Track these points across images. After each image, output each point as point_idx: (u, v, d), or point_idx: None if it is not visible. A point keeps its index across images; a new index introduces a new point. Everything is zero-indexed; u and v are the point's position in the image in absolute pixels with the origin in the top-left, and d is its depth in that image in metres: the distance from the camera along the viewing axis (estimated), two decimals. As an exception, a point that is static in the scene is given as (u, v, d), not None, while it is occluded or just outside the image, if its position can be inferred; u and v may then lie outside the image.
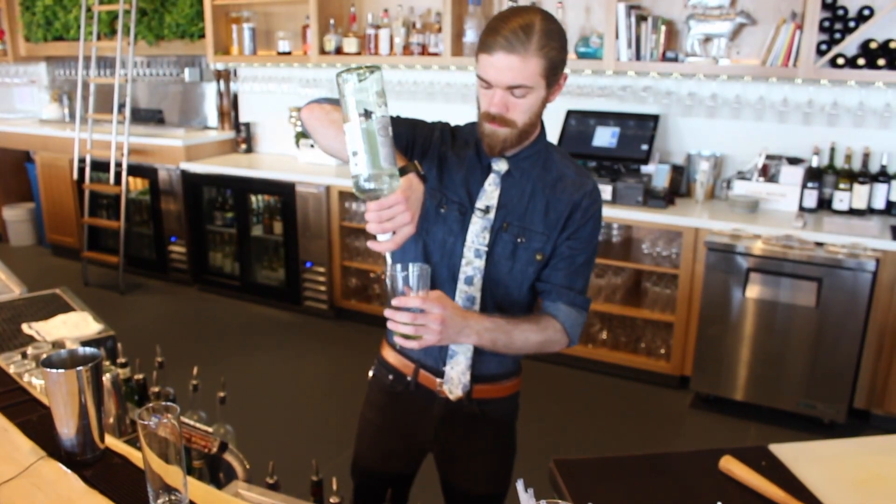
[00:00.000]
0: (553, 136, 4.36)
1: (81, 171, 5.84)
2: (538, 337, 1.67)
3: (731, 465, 1.52)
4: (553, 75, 1.57)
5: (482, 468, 1.88)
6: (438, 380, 1.77)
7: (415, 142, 1.74)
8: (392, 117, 1.60)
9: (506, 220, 1.68)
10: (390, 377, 1.87)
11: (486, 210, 1.68)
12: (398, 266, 1.48)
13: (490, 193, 1.68)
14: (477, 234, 1.68)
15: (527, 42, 1.50)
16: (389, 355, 1.87)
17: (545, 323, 1.69)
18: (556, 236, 1.70)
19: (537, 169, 1.69)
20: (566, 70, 1.64)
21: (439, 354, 1.76)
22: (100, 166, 5.76)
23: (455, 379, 1.76)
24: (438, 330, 1.47)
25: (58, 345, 2.15)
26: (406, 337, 1.48)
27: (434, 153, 1.74)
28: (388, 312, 1.48)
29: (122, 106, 5.58)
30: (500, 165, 1.69)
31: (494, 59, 1.52)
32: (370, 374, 1.95)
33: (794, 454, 1.59)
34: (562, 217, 1.69)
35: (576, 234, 1.70)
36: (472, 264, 1.69)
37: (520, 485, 1.05)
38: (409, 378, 1.82)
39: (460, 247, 1.69)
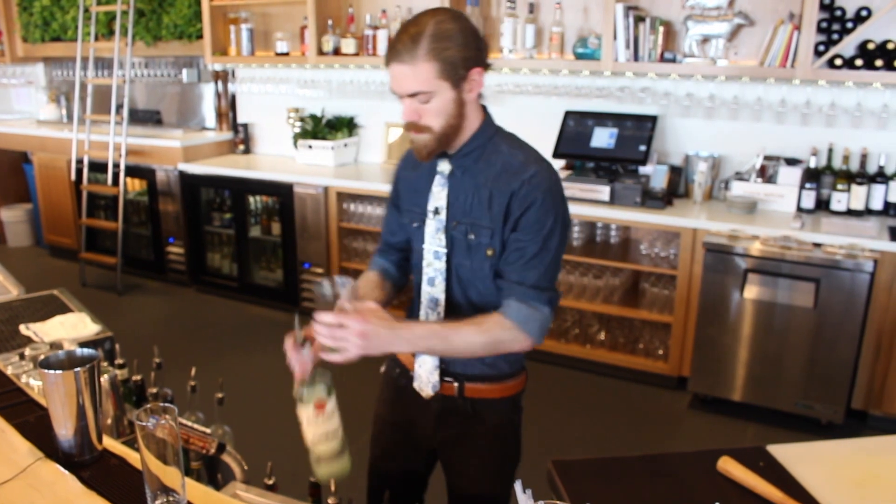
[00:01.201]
0: (551, 136, 4.37)
1: (79, 171, 5.83)
2: (482, 339, 1.63)
3: (728, 466, 1.52)
4: (454, 74, 1.58)
5: (479, 468, 1.88)
6: (416, 368, 1.84)
7: (393, 220, 1.90)
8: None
9: (455, 219, 1.73)
10: (397, 370, 1.92)
11: (437, 211, 1.74)
12: (324, 281, 1.56)
13: (437, 195, 1.74)
14: (432, 235, 1.74)
15: (414, 49, 1.54)
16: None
17: (489, 323, 1.63)
18: (501, 229, 1.67)
19: (480, 163, 1.71)
20: (482, 66, 1.66)
21: None
22: (98, 167, 5.76)
23: (424, 378, 1.81)
24: (359, 344, 1.52)
25: (55, 346, 2.14)
26: (329, 350, 1.55)
27: (402, 186, 1.86)
28: (315, 326, 1.55)
29: (119, 107, 5.58)
30: (443, 166, 1.74)
31: (391, 70, 1.60)
32: (382, 369, 2.01)
33: (792, 455, 1.59)
34: (502, 208, 1.66)
35: (519, 225, 1.65)
36: (432, 266, 1.75)
37: (518, 485, 1.05)
38: (412, 372, 1.85)
39: (422, 252, 1.78)
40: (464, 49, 1.58)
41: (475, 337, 1.62)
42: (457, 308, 1.75)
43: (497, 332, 1.63)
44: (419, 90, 1.58)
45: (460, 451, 1.88)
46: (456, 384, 1.79)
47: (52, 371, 1.37)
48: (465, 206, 1.71)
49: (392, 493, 1.89)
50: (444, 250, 1.73)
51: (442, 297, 1.75)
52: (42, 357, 1.43)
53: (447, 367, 1.79)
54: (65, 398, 1.38)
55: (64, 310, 2.53)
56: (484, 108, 1.75)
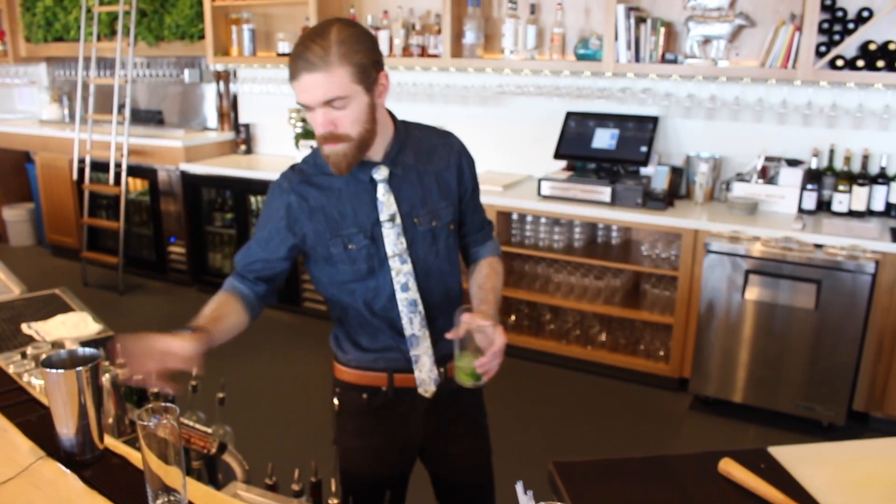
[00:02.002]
0: (552, 137, 4.37)
1: (81, 171, 5.84)
2: (501, 279, 1.90)
3: (730, 468, 1.52)
4: (367, 78, 1.57)
5: (469, 446, 1.95)
6: (416, 373, 1.82)
7: (278, 248, 1.77)
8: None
9: (413, 216, 1.75)
10: (364, 396, 1.86)
11: (392, 218, 1.72)
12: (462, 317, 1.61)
13: (387, 202, 1.72)
14: (394, 242, 1.73)
15: (326, 56, 1.51)
16: (351, 375, 1.87)
17: (493, 266, 1.91)
18: (456, 199, 1.83)
19: (411, 155, 1.75)
20: (385, 69, 1.65)
21: (406, 356, 1.81)
22: (99, 167, 5.76)
23: (427, 379, 1.82)
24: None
25: (57, 345, 2.15)
26: (477, 378, 1.63)
27: (306, 215, 1.74)
28: (483, 364, 1.60)
29: (121, 107, 5.58)
30: (382, 173, 1.72)
31: (302, 82, 1.54)
32: (335, 402, 1.93)
33: (793, 456, 1.59)
34: (453, 181, 1.81)
35: (473, 187, 1.88)
36: (401, 272, 1.75)
37: (519, 487, 1.05)
38: (384, 389, 1.83)
39: (384, 263, 1.74)
40: (371, 52, 1.58)
41: (499, 281, 1.89)
42: (432, 303, 1.79)
43: (498, 268, 1.92)
44: (336, 95, 1.54)
45: (447, 436, 1.91)
46: (441, 369, 1.83)
47: (54, 370, 1.37)
48: (418, 199, 1.75)
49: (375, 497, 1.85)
50: (407, 252, 1.74)
51: (417, 295, 1.77)
52: (44, 356, 1.43)
53: (435, 335, 1.82)
54: (66, 397, 1.38)
55: (65, 309, 2.54)
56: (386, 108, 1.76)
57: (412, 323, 1.78)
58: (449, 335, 1.63)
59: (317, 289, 1.87)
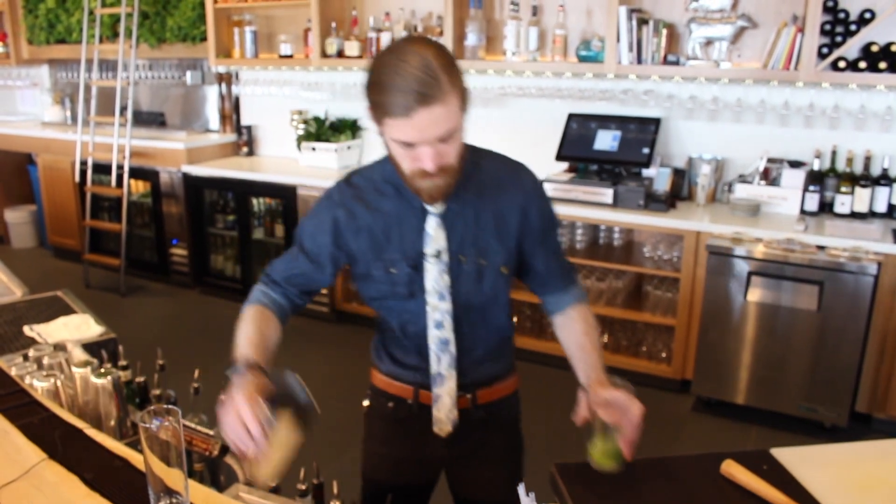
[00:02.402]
0: (554, 139, 4.37)
1: (83, 173, 5.85)
2: (598, 333, 1.75)
3: (732, 469, 1.51)
4: (466, 99, 1.46)
5: (497, 474, 1.86)
6: (434, 412, 1.76)
7: (324, 264, 1.70)
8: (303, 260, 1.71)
9: (461, 254, 1.63)
10: (390, 405, 1.82)
11: (438, 254, 1.62)
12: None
13: (436, 237, 1.61)
14: (435, 279, 1.64)
15: (438, 84, 1.37)
16: (383, 382, 1.83)
17: (587, 319, 1.75)
18: (515, 244, 1.68)
19: (473, 189, 1.61)
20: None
21: (429, 377, 1.74)
22: (101, 169, 5.77)
23: (444, 419, 1.76)
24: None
25: (59, 347, 2.15)
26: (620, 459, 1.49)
27: (352, 232, 1.65)
28: (629, 443, 1.48)
29: (123, 109, 5.59)
30: (437, 206, 1.60)
31: (416, 118, 1.38)
32: (365, 404, 1.91)
33: (796, 458, 1.59)
34: (514, 224, 1.66)
35: (544, 231, 1.71)
36: (438, 309, 1.66)
37: (521, 489, 1.05)
38: (409, 401, 1.79)
39: (420, 297, 1.66)
40: (461, 72, 1.46)
41: (598, 336, 1.74)
42: (468, 340, 1.71)
43: (590, 318, 1.76)
44: (452, 128, 1.42)
45: (475, 461, 1.85)
46: (469, 395, 1.76)
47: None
48: (470, 238, 1.63)
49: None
50: (449, 290, 1.65)
51: (452, 335, 1.68)
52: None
53: (462, 382, 1.74)
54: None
55: (68, 311, 2.54)
56: None
57: (440, 361, 1.71)
58: (577, 418, 1.55)
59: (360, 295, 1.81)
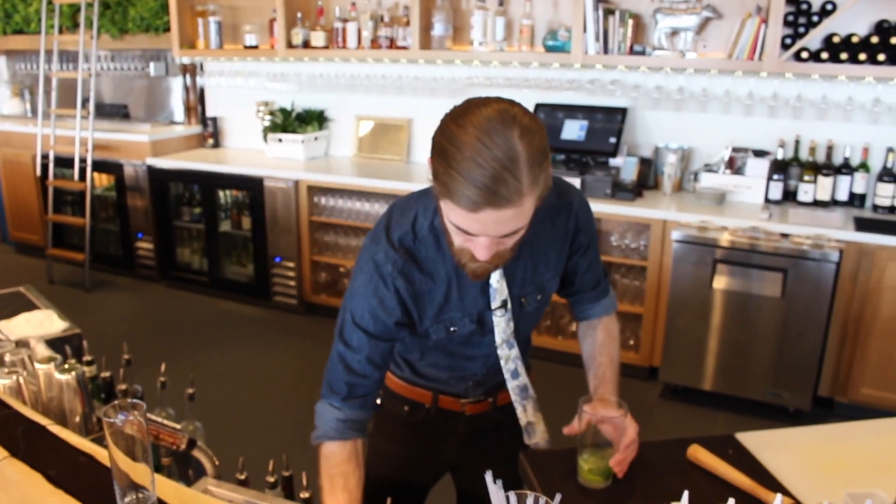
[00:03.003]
0: (522, 129, 4.37)
1: (45, 167, 5.74)
2: (617, 345, 1.73)
3: (698, 454, 1.53)
4: (544, 194, 1.27)
5: (507, 473, 1.85)
6: (462, 400, 1.72)
7: (392, 335, 1.52)
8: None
9: (521, 297, 1.57)
10: (405, 408, 1.78)
11: (504, 304, 1.54)
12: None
13: (500, 289, 1.53)
14: (503, 330, 1.57)
15: (519, 187, 1.19)
16: (397, 385, 1.77)
17: (609, 330, 1.73)
18: (564, 266, 1.64)
19: (529, 230, 1.38)
20: None
21: (463, 384, 1.72)
22: (64, 162, 5.67)
23: (541, 442, 1.75)
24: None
25: (21, 343, 2.11)
26: (608, 477, 1.48)
27: (412, 299, 1.50)
28: (619, 461, 1.45)
29: (85, 101, 5.50)
30: None
31: (480, 216, 1.22)
32: (377, 401, 1.82)
33: (760, 442, 1.61)
34: (564, 249, 1.61)
35: (588, 246, 1.65)
36: (509, 358, 1.62)
37: (488, 476, 1.05)
38: (427, 406, 1.75)
39: (490, 348, 1.61)
40: (549, 159, 1.28)
41: (616, 348, 1.72)
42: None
43: (614, 330, 1.74)
44: (518, 227, 1.28)
45: (485, 461, 1.80)
46: (490, 399, 1.75)
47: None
48: (529, 276, 1.57)
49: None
50: (514, 335, 1.60)
51: (527, 380, 1.65)
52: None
53: (486, 388, 1.74)
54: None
55: (30, 307, 2.49)
56: None
57: (526, 410, 1.67)
58: (567, 430, 1.50)
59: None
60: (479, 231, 1.26)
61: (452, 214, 1.27)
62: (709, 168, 4.16)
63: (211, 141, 5.78)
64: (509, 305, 1.55)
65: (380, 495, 1.71)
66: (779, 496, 1.21)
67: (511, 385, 1.65)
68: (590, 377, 1.67)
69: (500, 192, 1.18)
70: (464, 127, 1.21)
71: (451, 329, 1.55)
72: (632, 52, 4.08)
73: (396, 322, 1.49)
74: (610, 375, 1.64)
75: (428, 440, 1.78)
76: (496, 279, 1.51)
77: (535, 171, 1.21)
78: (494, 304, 1.53)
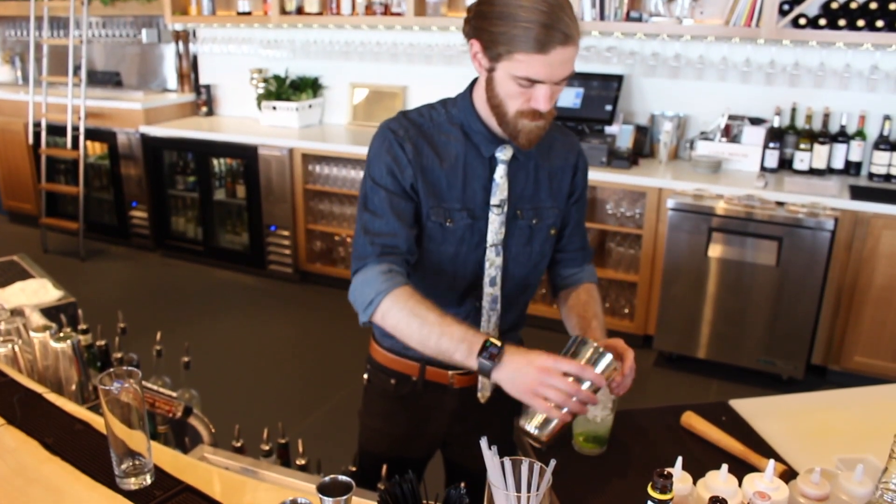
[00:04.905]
0: (518, 97, 4.35)
1: (37, 135, 5.70)
2: (601, 307, 1.72)
3: (692, 421, 1.54)
4: None
5: (496, 444, 1.83)
6: (449, 372, 1.68)
7: (409, 192, 1.53)
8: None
9: (518, 208, 1.59)
10: (392, 381, 1.74)
11: (501, 204, 1.56)
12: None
13: (502, 186, 1.55)
14: (496, 231, 1.57)
15: (576, 27, 1.37)
16: (385, 358, 1.74)
17: (591, 293, 1.72)
18: (564, 204, 1.67)
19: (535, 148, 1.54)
20: None
21: None
22: (56, 130, 5.63)
23: (487, 383, 1.69)
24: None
25: (16, 312, 2.11)
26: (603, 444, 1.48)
27: (418, 170, 1.52)
28: (620, 384, 1.47)
29: (77, 68, 5.44)
30: (507, 153, 1.55)
31: (553, 56, 1.34)
32: (364, 377, 1.83)
33: (753, 409, 1.63)
34: (565, 183, 1.65)
35: (580, 195, 1.70)
36: (494, 264, 1.60)
37: (483, 442, 1.05)
38: (415, 378, 1.71)
39: (478, 251, 1.59)
40: None
41: (601, 309, 1.71)
42: (507, 302, 1.66)
43: (597, 295, 1.74)
44: (572, 71, 1.41)
45: (473, 431, 1.81)
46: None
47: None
48: (528, 192, 1.60)
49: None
50: (502, 244, 1.59)
51: (500, 293, 1.63)
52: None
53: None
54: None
55: (25, 276, 2.49)
56: None
57: (490, 322, 1.65)
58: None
59: None
60: (546, 76, 1.36)
61: (519, 67, 1.36)
62: (705, 136, 4.15)
63: (204, 109, 5.74)
64: (506, 208, 1.57)
65: (375, 472, 1.72)
66: (771, 462, 1.22)
67: (486, 290, 1.62)
68: (572, 329, 1.65)
69: (563, 29, 1.33)
70: None
71: (447, 223, 1.55)
72: (628, 18, 4.04)
73: (411, 186, 1.52)
74: (595, 325, 1.62)
75: (416, 415, 1.76)
76: (500, 175, 1.55)
77: (574, 15, 1.37)
78: (494, 199, 1.56)
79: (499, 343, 1.35)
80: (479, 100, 1.52)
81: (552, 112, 1.46)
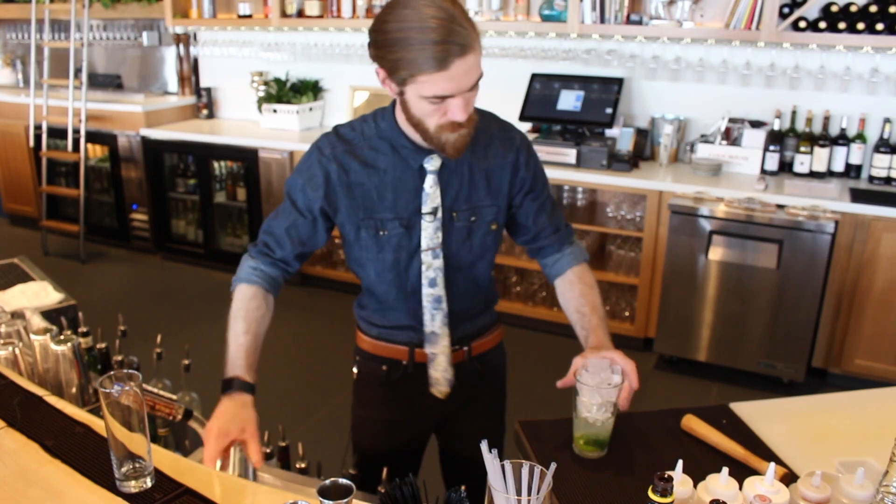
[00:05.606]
0: (517, 99, 4.35)
1: (38, 138, 5.70)
2: (598, 293, 1.72)
3: (692, 424, 1.54)
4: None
5: (484, 426, 1.86)
6: (431, 372, 1.75)
7: (316, 223, 1.65)
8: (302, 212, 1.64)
9: (453, 210, 1.63)
10: (384, 367, 1.79)
11: (434, 211, 1.60)
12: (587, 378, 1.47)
13: (433, 195, 1.60)
14: (430, 237, 1.62)
15: (470, 33, 1.37)
16: (373, 346, 1.79)
17: (588, 277, 1.73)
18: (506, 201, 1.69)
19: (468, 146, 1.55)
20: None
21: (423, 336, 1.73)
22: (57, 133, 5.63)
23: (441, 379, 1.75)
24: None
25: (17, 315, 2.11)
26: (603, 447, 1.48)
27: (344, 189, 1.60)
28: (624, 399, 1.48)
29: (78, 71, 5.45)
30: (434, 163, 1.58)
31: (454, 69, 1.36)
32: (354, 370, 1.87)
33: (754, 412, 1.62)
34: (504, 181, 1.67)
35: (532, 186, 1.71)
36: (431, 266, 1.65)
37: (484, 445, 1.05)
38: (405, 362, 1.76)
39: (415, 257, 1.65)
40: None
41: (597, 297, 1.71)
42: (457, 296, 1.70)
43: (588, 277, 1.74)
44: (480, 74, 1.43)
45: (464, 415, 1.85)
46: (465, 348, 1.77)
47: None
48: (463, 194, 1.63)
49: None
50: (441, 247, 1.63)
51: (444, 292, 1.67)
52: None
53: (455, 336, 1.74)
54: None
55: (25, 278, 2.49)
56: None
57: (434, 320, 1.69)
58: (560, 384, 1.52)
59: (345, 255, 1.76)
60: (453, 89, 1.39)
61: (425, 87, 1.39)
62: (705, 139, 4.15)
63: (205, 111, 5.74)
64: (440, 214, 1.61)
65: (373, 467, 1.73)
66: (772, 465, 1.22)
67: (425, 292, 1.67)
68: (578, 331, 1.68)
69: (458, 41, 1.34)
70: (394, 13, 1.38)
71: (381, 232, 1.62)
72: (628, 21, 4.04)
73: (321, 208, 1.62)
74: (596, 322, 1.64)
75: (408, 398, 1.80)
76: (430, 185, 1.59)
77: (469, 19, 1.38)
78: (425, 208, 1.60)
79: (231, 383, 1.53)
80: (401, 117, 1.55)
81: (472, 117, 1.48)
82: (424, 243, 1.63)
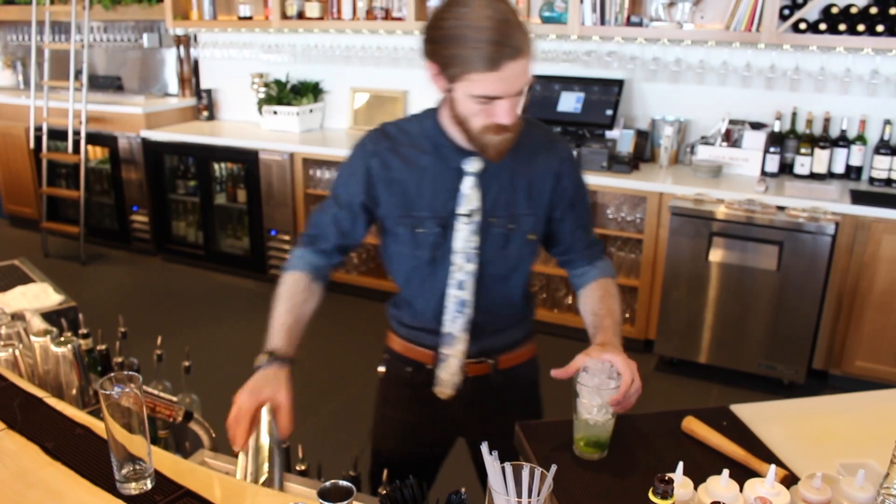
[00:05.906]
0: (518, 101, 4.35)
1: (38, 139, 5.71)
2: (618, 302, 1.70)
3: (692, 425, 1.54)
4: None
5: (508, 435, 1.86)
6: (439, 373, 1.75)
7: (355, 209, 1.67)
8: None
9: (492, 216, 1.62)
10: (409, 369, 1.80)
11: (470, 214, 1.60)
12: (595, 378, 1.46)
13: (471, 197, 1.60)
14: (465, 239, 1.62)
15: (524, 37, 1.39)
16: (401, 346, 1.81)
17: (606, 288, 1.71)
18: (545, 211, 1.68)
19: (511, 152, 1.55)
20: None
21: (441, 339, 1.72)
22: (57, 135, 5.63)
23: (447, 380, 1.74)
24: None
25: (17, 316, 2.11)
26: (603, 448, 1.46)
27: (384, 184, 1.63)
28: (617, 400, 1.42)
29: (78, 72, 5.45)
30: (474, 165, 1.59)
31: (505, 71, 1.38)
32: (381, 369, 1.87)
33: (754, 414, 1.62)
34: (546, 191, 1.66)
35: (574, 199, 1.70)
36: (462, 269, 1.64)
37: (484, 447, 1.05)
38: (429, 366, 1.76)
39: (447, 257, 1.64)
40: None
41: (616, 304, 1.69)
42: (487, 308, 1.70)
43: (614, 290, 1.72)
44: (529, 80, 1.44)
45: (493, 427, 1.79)
46: (491, 361, 1.76)
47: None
48: (503, 201, 1.62)
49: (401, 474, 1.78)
50: (477, 251, 1.63)
51: (470, 297, 1.66)
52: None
53: (481, 347, 1.73)
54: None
55: (26, 280, 2.49)
56: None
57: (454, 322, 1.69)
58: (554, 373, 1.51)
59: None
60: (502, 91, 1.40)
61: (474, 86, 1.41)
62: (705, 140, 4.15)
63: (205, 113, 5.74)
64: (476, 218, 1.61)
65: (393, 468, 1.72)
66: (772, 467, 1.22)
67: (450, 293, 1.67)
68: (590, 331, 1.66)
69: (512, 43, 1.36)
70: (451, 11, 1.40)
71: (417, 230, 1.63)
72: (629, 23, 4.04)
73: (361, 202, 1.66)
74: (608, 323, 1.62)
75: (432, 402, 1.79)
76: (468, 186, 1.59)
77: (524, 24, 1.40)
78: (461, 209, 1.60)
79: (265, 361, 1.57)
80: (445, 116, 1.57)
81: (518, 122, 1.49)
82: (458, 245, 1.63)
